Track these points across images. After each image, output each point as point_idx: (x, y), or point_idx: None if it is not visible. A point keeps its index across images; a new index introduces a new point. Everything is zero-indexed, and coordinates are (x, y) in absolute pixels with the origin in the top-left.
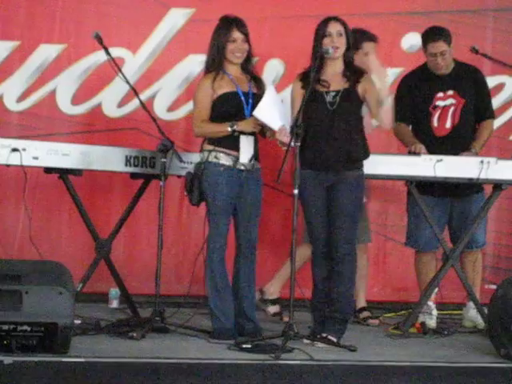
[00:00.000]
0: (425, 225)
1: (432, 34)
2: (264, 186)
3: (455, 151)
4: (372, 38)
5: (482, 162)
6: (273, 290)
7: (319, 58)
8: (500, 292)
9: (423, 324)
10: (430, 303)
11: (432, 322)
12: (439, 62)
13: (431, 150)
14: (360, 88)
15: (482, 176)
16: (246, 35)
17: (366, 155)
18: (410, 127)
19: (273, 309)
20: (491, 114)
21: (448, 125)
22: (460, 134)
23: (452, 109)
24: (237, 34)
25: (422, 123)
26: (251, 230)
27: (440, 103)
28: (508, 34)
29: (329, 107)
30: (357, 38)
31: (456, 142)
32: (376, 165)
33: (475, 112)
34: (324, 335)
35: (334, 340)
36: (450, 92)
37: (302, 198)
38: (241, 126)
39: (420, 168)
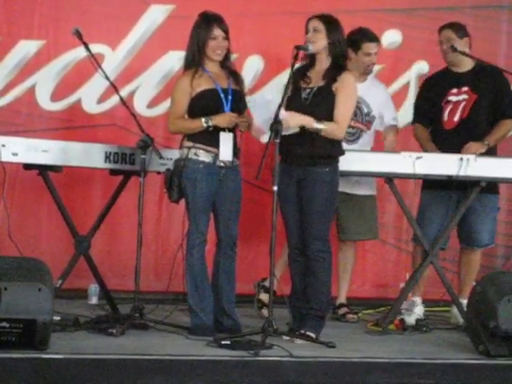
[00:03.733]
0: (428, 221)
1: (442, 25)
2: (244, 183)
3: (462, 144)
4: (372, 38)
5: (461, 159)
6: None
7: (307, 54)
8: (478, 289)
9: (402, 321)
10: (416, 299)
11: (411, 319)
12: (445, 48)
13: (440, 143)
14: (334, 87)
15: (462, 173)
16: (226, 32)
17: (335, 153)
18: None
19: (264, 297)
20: (510, 114)
21: (456, 118)
22: (467, 127)
23: (463, 104)
24: (218, 32)
25: (435, 117)
26: (231, 226)
27: (452, 98)
28: (486, 31)
29: (303, 103)
30: (357, 39)
31: (463, 136)
32: (355, 162)
33: (493, 111)
34: (302, 331)
35: (313, 336)
36: (465, 88)
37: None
38: (216, 120)
39: (399, 165)
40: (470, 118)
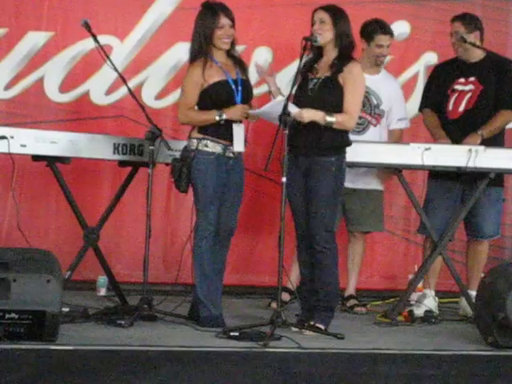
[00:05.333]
0: (433, 212)
1: (454, 16)
2: (252, 174)
3: (466, 135)
4: (386, 30)
5: (470, 150)
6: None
7: (314, 46)
8: (487, 280)
9: (411, 312)
10: (427, 291)
11: (420, 311)
12: (454, 41)
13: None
14: (341, 77)
15: (470, 164)
16: (233, 20)
17: (342, 144)
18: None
19: (284, 296)
20: (509, 105)
21: (461, 108)
22: (472, 118)
23: (469, 94)
24: (224, 20)
25: (440, 105)
26: (232, 216)
27: (458, 87)
28: (496, 22)
29: (309, 93)
30: (371, 30)
31: (467, 126)
32: (364, 153)
33: (495, 101)
34: (312, 323)
35: (322, 328)
36: (472, 79)
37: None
38: (228, 113)
39: (408, 156)
40: (475, 110)
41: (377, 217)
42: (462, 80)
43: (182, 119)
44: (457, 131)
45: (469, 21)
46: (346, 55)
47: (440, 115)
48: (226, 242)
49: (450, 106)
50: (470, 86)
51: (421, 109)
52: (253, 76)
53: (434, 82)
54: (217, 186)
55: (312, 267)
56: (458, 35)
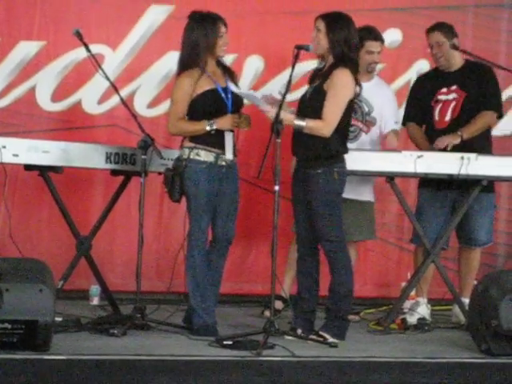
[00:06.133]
0: (426, 220)
1: (430, 26)
2: (245, 182)
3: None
4: (376, 37)
5: (462, 157)
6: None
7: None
8: (480, 288)
9: (404, 320)
10: (420, 299)
11: (413, 319)
12: (435, 52)
13: (432, 143)
14: (326, 85)
15: (463, 172)
16: (226, 28)
17: (328, 154)
18: (423, 128)
19: (277, 304)
20: (492, 107)
21: (447, 118)
22: (459, 126)
23: (453, 103)
24: (223, 29)
25: (426, 118)
26: (229, 225)
27: (442, 97)
28: (488, 29)
29: (304, 101)
30: (360, 36)
31: None
32: (357, 161)
33: (479, 104)
34: (320, 331)
35: (326, 336)
36: (454, 87)
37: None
38: (219, 124)
39: (400, 164)
40: (461, 117)
41: (369, 226)
42: (444, 90)
43: (172, 130)
44: None
45: (447, 29)
46: (339, 63)
47: (427, 127)
48: (224, 252)
49: (436, 117)
50: (454, 95)
51: (404, 123)
52: (243, 84)
53: (417, 95)
54: (209, 195)
55: (310, 276)
56: (440, 47)
